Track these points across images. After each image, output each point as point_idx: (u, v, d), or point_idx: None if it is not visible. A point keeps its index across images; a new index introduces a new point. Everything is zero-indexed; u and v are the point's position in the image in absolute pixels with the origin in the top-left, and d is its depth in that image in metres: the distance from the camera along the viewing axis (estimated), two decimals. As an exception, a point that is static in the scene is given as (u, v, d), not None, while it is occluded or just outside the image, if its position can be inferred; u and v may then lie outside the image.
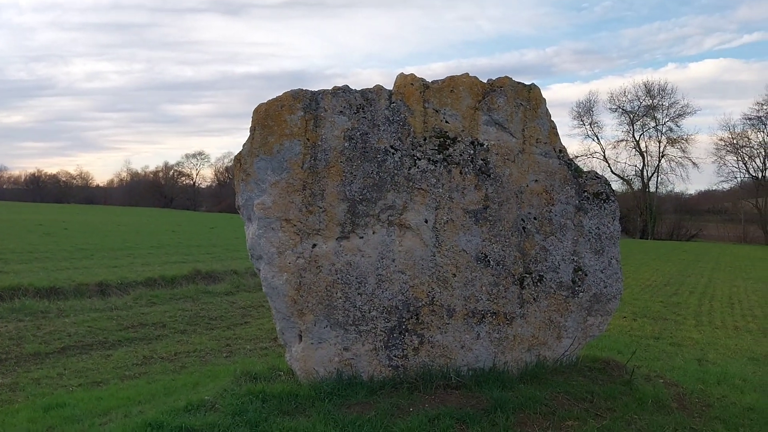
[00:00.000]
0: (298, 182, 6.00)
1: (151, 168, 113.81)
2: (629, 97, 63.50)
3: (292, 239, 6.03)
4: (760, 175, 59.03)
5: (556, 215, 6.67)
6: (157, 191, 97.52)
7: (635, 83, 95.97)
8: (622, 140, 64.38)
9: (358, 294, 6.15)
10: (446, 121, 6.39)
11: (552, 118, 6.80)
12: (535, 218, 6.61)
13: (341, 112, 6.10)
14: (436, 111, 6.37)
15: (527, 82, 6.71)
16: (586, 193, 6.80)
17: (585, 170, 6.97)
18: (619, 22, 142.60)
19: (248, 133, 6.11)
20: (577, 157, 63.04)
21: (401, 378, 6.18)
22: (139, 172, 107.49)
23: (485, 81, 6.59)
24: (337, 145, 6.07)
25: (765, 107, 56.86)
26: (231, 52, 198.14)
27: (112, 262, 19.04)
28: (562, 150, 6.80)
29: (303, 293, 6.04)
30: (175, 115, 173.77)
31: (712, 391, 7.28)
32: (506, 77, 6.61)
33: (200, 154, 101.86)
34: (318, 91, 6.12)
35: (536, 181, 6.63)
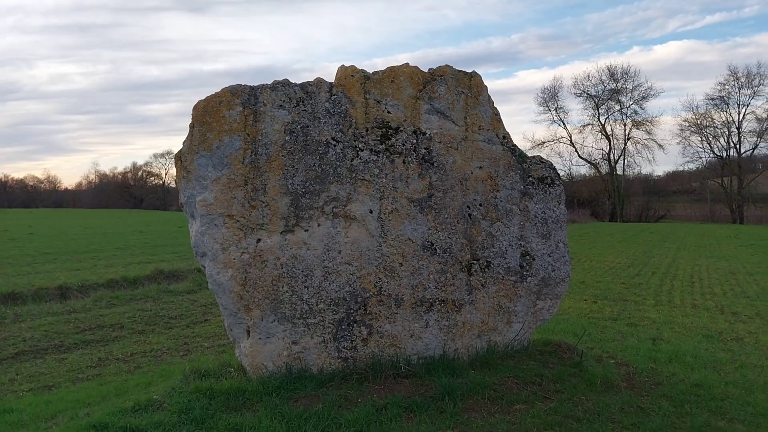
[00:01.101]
0: (240, 177, 5.97)
1: (120, 169, 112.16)
2: (593, 81, 64.07)
3: (236, 235, 6.00)
4: (724, 155, 60.06)
5: (501, 201, 6.72)
6: (126, 192, 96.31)
7: (599, 67, 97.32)
8: (588, 124, 64.99)
9: (305, 287, 6.14)
10: (388, 112, 6.39)
11: (495, 105, 6.85)
12: (480, 205, 6.65)
13: (281, 106, 6.07)
14: (378, 102, 6.37)
15: (469, 70, 6.74)
16: (530, 178, 6.86)
17: (529, 155, 7.03)
18: (582, 6, 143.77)
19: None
20: (544, 142, 63.75)
21: (351, 369, 6.20)
22: (108, 173, 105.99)
23: (426, 70, 6.60)
24: (278, 139, 6.04)
25: (727, 87, 57.80)
26: (197, 50, 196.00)
27: (75, 265, 18.78)
28: (506, 136, 6.84)
29: (249, 288, 6.02)
30: (142, 115, 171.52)
31: (663, 369, 7.40)
32: (447, 66, 6.63)
33: (169, 153, 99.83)
34: (257, 85, 6.09)
35: (480, 167, 6.67)
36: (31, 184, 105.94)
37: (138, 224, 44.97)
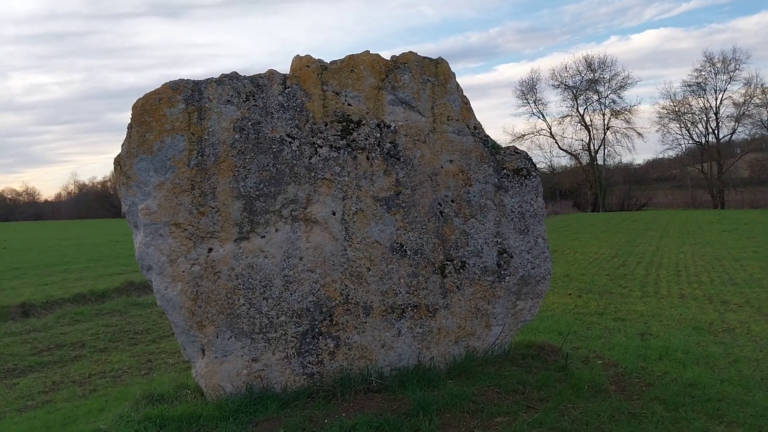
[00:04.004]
0: (186, 182, 5.42)
1: (99, 179, 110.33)
2: (571, 72, 63.92)
3: (184, 245, 5.45)
4: (703, 140, 60.14)
5: (474, 196, 6.23)
6: (105, 201, 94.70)
7: (576, 58, 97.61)
8: (567, 116, 64.81)
9: (264, 299, 5.61)
10: (348, 104, 5.88)
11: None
12: (452, 201, 6.16)
13: (228, 101, 5.54)
14: (337, 93, 5.85)
15: (435, 58, 6.24)
16: (505, 170, 6.38)
17: (503, 146, 6.55)
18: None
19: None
20: (524, 135, 63.55)
21: (318, 386, 5.68)
22: (87, 183, 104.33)
23: (388, 58, 6.10)
24: (227, 138, 5.51)
25: (704, 73, 57.91)
26: (174, 55, 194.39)
27: (43, 279, 18.04)
28: (477, 126, 6.35)
29: (201, 303, 5.48)
30: (120, 123, 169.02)
31: (654, 368, 6.98)
32: (410, 52, 6.13)
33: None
34: (201, 80, 5.54)
35: (451, 161, 6.18)
36: (10, 197, 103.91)
37: (115, 234, 43.99)
